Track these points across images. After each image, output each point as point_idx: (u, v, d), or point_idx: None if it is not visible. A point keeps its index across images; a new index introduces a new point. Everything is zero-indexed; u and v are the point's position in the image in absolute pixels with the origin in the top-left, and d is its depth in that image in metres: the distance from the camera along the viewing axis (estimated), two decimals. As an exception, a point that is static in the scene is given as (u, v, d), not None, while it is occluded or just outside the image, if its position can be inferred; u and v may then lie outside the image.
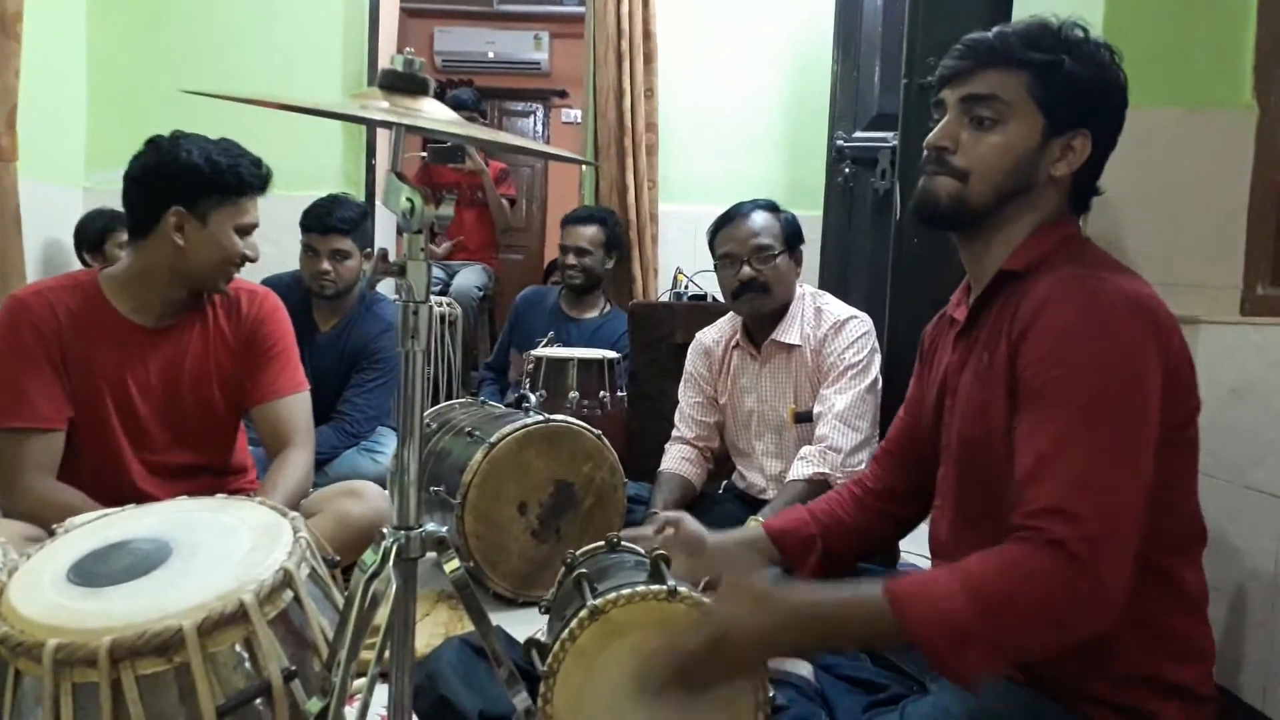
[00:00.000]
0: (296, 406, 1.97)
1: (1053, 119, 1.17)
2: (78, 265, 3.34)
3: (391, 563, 0.96)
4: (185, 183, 1.78)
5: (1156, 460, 1.05)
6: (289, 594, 1.17)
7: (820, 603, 1.07)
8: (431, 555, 1.01)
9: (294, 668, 1.13)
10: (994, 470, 1.15)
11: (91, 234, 3.29)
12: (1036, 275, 1.15)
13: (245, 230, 1.86)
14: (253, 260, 1.89)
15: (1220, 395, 1.54)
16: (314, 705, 1.06)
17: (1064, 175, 1.19)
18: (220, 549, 1.21)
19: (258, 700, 1.10)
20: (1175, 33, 1.70)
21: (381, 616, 1.01)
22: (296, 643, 1.16)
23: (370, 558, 0.98)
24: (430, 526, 1.00)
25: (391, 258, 0.93)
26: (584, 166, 4.24)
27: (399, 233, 0.94)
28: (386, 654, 1.01)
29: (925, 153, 1.21)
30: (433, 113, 0.92)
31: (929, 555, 1.36)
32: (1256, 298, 1.68)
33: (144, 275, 1.83)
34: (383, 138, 3.84)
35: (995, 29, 1.19)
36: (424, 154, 4.58)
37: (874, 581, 1.04)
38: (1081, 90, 1.17)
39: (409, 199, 0.90)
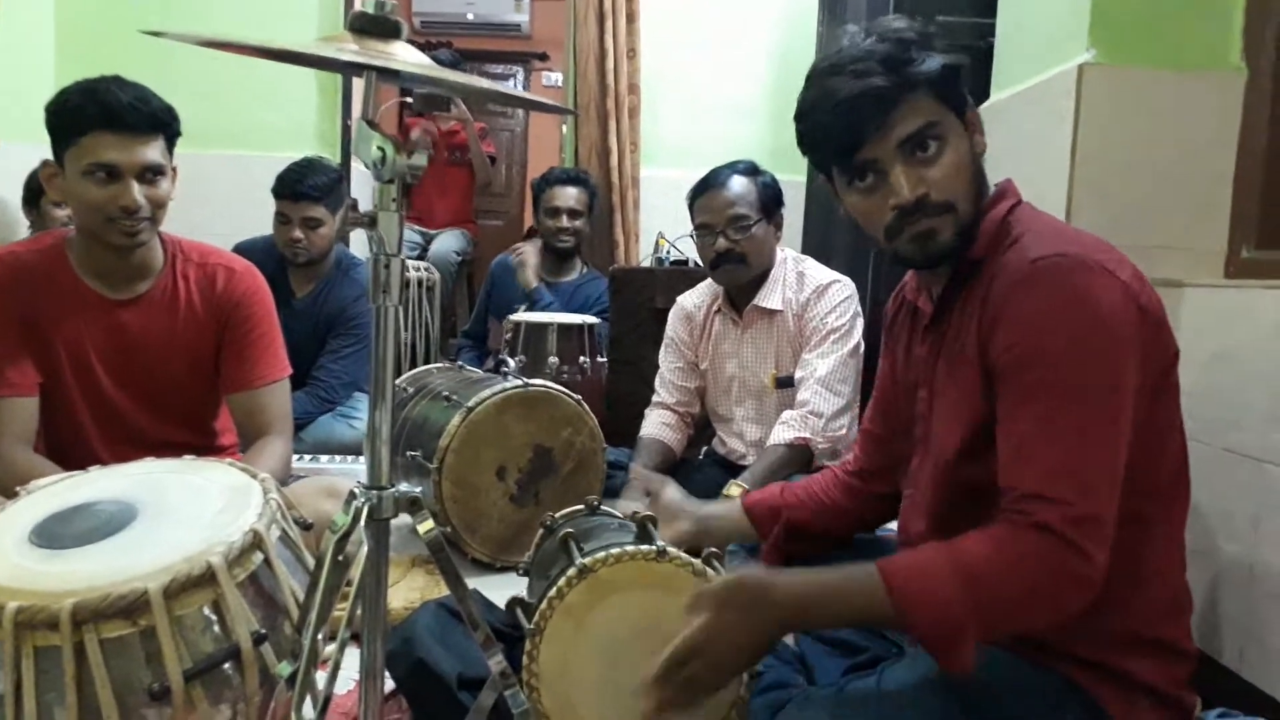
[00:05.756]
0: (275, 395, 1.91)
1: (958, 110, 1.15)
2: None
3: (363, 523, 0.94)
4: (50, 132, 1.68)
5: (1141, 410, 1.06)
6: (259, 556, 1.15)
7: (814, 592, 1.06)
8: (406, 520, 0.99)
9: (264, 631, 1.11)
10: (974, 466, 1.14)
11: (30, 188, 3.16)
12: (992, 256, 1.14)
13: (95, 172, 1.65)
14: (129, 209, 1.66)
15: (1203, 359, 1.54)
16: (284, 669, 1.04)
17: (984, 150, 1.18)
18: (188, 510, 1.18)
19: (226, 664, 1.08)
20: (1167, -8, 1.67)
21: (353, 578, 0.99)
22: (267, 606, 1.14)
23: (341, 519, 0.96)
24: (403, 487, 0.97)
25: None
26: (564, 129, 4.18)
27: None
28: (358, 616, 0.99)
29: (896, 211, 1.13)
30: (406, 57, 0.88)
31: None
32: (1240, 261, 1.66)
33: (78, 234, 1.76)
34: (358, 94, 3.76)
35: (857, 64, 1.11)
36: (408, 99, 4.50)
37: (865, 565, 1.03)
38: (958, 72, 1.16)
39: (380, 148, 0.86)
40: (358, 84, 0.93)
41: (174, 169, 1.77)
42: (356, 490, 0.96)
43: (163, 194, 1.73)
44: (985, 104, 1.90)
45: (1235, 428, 1.49)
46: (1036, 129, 1.78)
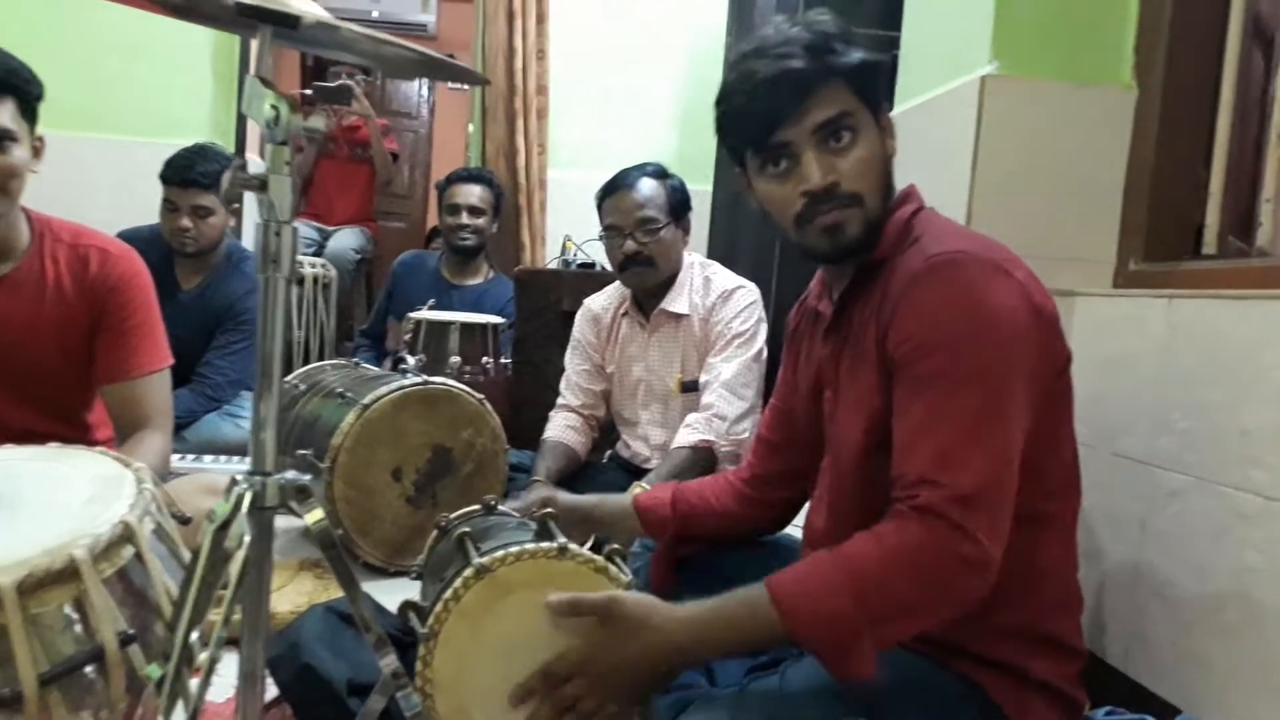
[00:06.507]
0: (154, 386, 1.80)
1: (874, 108, 1.17)
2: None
3: (245, 512, 0.86)
4: None
5: (1036, 410, 1.07)
6: (129, 550, 1.06)
7: (705, 618, 1.05)
8: (295, 523, 0.92)
9: (133, 631, 1.02)
10: (874, 462, 1.14)
11: None
12: (893, 257, 1.15)
13: None
14: None
15: (1093, 366, 1.58)
16: (153, 671, 0.95)
17: (894, 153, 1.20)
18: (50, 500, 1.09)
19: (88, 667, 0.99)
20: (1063, 6, 1.71)
21: (232, 575, 0.92)
22: (137, 604, 1.05)
23: (221, 508, 0.88)
24: (290, 474, 0.90)
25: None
26: (470, 129, 4.11)
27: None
28: (235, 617, 0.91)
29: (806, 199, 1.13)
30: (303, 8, 0.82)
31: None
32: (1129, 272, 1.72)
33: None
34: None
35: (780, 47, 1.12)
36: (307, 92, 4.37)
37: (755, 588, 1.03)
38: (879, 71, 1.18)
39: (273, 105, 0.80)
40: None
41: (39, 140, 1.63)
42: (238, 477, 0.89)
43: (15, 162, 1.58)
44: (890, 115, 1.94)
45: (1124, 432, 1.54)
46: (940, 139, 1.81)
